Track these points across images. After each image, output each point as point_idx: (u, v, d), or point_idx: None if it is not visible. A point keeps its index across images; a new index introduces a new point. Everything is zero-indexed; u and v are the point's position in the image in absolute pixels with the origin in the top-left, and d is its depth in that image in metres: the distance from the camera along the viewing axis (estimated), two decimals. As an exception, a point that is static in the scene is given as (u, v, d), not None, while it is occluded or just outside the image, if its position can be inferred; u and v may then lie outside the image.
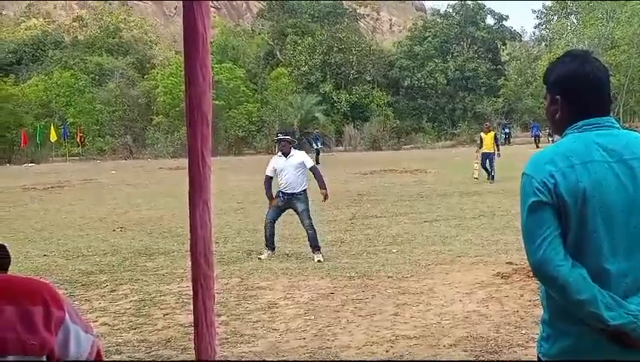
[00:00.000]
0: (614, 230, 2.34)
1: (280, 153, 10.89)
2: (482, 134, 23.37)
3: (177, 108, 57.00)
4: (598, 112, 2.46)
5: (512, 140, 55.45)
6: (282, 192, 10.75)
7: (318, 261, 10.26)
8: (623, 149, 2.38)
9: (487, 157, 22.71)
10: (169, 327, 7.13)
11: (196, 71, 1.98)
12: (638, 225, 2.35)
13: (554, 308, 2.47)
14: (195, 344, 2.10)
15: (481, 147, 22.89)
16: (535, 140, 47.75)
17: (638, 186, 2.34)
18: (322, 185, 10.83)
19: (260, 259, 10.64)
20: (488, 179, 22.39)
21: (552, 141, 44.75)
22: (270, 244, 10.87)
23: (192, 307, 6.87)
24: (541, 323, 2.57)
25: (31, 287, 1.41)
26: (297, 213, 10.75)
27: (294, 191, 10.62)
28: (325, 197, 10.93)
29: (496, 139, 23.00)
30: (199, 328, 2.12)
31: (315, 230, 10.58)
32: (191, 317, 6.72)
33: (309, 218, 10.59)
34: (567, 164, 2.36)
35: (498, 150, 22.95)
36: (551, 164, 2.38)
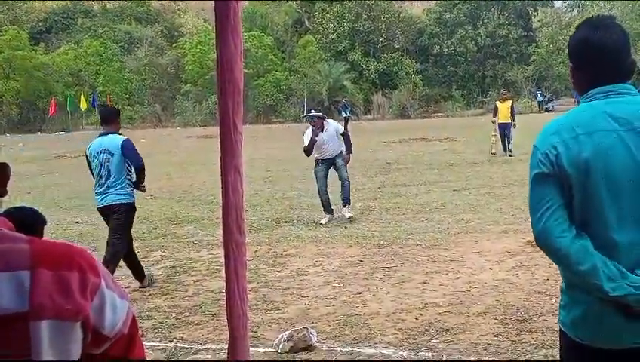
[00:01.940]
0: (622, 200, 2.29)
1: (315, 130, 10.96)
2: (498, 103, 21.41)
3: (206, 77, 57.02)
4: (613, 79, 2.39)
5: (546, 107, 54.88)
6: (323, 160, 11.27)
7: (349, 217, 10.99)
8: (633, 118, 2.31)
9: (503, 129, 20.72)
10: (199, 294, 7.22)
11: (228, 38, 1.97)
12: None
13: (567, 277, 2.47)
14: (227, 310, 2.11)
15: (495, 116, 21.00)
16: (539, 106, 47.97)
17: None
18: (349, 150, 11.49)
19: (321, 224, 11.02)
20: (506, 152, 20.43)
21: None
22: (328, 208, 11.27)
23: (222, 274, 6.92)
24: (560, 292, 2.58)
25: (67, 253, 1.42)
26: (336, 169, 11.29)
27: (335, 155, 11.24)
28: (347, 161, 11.45)
29: (512, 108, 20.80)
30: (231, 294, 2.14)
31: (349, 183, 11.36)
32: (221, 284, 6.80)
33: (347, 171, 11.31)
34: (571, 135, 2.33)
35: (514, 120, 20.63)
36: (555, 135, 2.36)
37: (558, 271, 7.00)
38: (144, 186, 7.87)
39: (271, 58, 59.54)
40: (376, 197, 13.25)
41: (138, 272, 7.61)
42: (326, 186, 11.21)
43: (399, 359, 5.11)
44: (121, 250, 7.44)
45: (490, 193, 13.14)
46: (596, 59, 2.41)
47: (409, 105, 58.94)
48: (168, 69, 61.95)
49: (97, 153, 7.52)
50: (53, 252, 1.41)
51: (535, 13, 72.96)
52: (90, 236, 10.62)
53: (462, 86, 66.28)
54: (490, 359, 4.98)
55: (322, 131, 10.98)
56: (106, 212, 7.54)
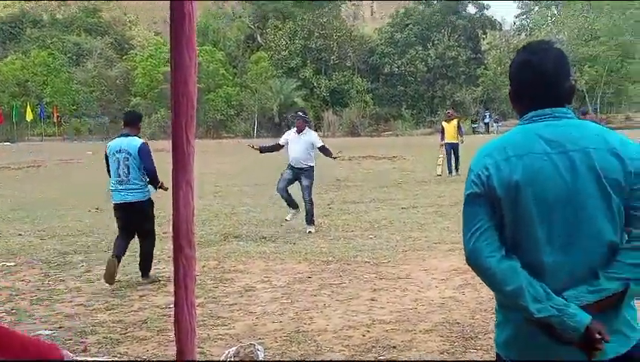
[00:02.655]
0: (551, 222, 2.32)
1: (295, 129, 11.61)
2: (444, 123, 21.18)
3: (156, 90, 56.67)
4: (550, 103, 2.43)
5: (492, 129, 55.88)
6: (291, 165, 11.49)
7: (309, 231, 11.32)
8: (566, 141, 2.33)
9: (451, 148, 20.53)
10: (145, 308, 7.11)
11: (182, 51, 1.97)
12: (576, 216, 2.31)
13: (498, 296, 2.51)
14: (175, 325, 2.09)
15: (442, 138, 20.85)
16: (486, 127, 49.53)
17: (578, 178, 2.30)
18: (330, 155, 11.72)
19: (286, 220, 11.65)
20: (450, 174, 20.35)
21: None
22: (292, 204, 11.61)
23: (168, 289, 6.87)
24: (495, 311, 2.61)
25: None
26: (301, 186, 11.46)
27: (301, 166, 11.38)
28: (334, 158, 11.87)
29: (459, 127, 20.86)
30: (179, 309, 2.12)
31: (312, 205, 11.52)
32: (167, 299, 6.73)
33: (310, 194, 11.44)
34: (502, 157, 2.36)
35: (461, 137, 20.76)
36: (488, 156, 2.40)
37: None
38: (163, 185, 8.12)
39: (222, 73, 59.46)
40: (326, 214, 13.29)
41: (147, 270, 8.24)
42: (285, 189, 11.48)
43: (346, 376, 5.11)
44: (153, 245, 8.23)
45: (438, 211, 13.29)
46: (534, 82, 2.44)
47: (359, 123, 59.42)
48: (117, 81, 61.40)
49: (116, 151, 8.06)
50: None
51: (484, 36, 74.45)
52: (33, 249, 10.42)
53: (411, 105, 67.13)
54: (436, 376, 5.02)
55: (299, 134, 11.40)
56: (122, 208, 8.12)
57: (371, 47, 70.16)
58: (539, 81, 2.44)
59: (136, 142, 8.09)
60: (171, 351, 5.69)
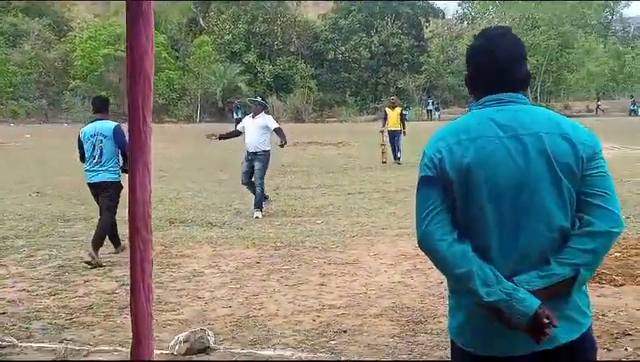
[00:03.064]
0: (502, 206, 2.32)
1: (252, 114, 11.89)
2: (387, 109, 21.05)
3: (96, 73, 55.61)
4: (504, 88, 2.43)
5: (434, 116, 56.51)
6: (247, 151, 11.69)
7: (256, 217, 11.26)
8: (518, 125, 2.34)
9: (393, 136, 20.41)
10: (90, 294, 6.97)
11: (139, 29, 1.90)
12: (527, 200, 2.31)
13: (449, 281, 2.51)
14: (131, 309, 2.04)
15: (385, 124, 20.77)
16: (429, 114, 51.21)
17: (529, 162, 2.30)
18: (283, 140, 11.79)
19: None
20: (395, 160, 20.15)
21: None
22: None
23: (114, 274, 6.76)
24: (447, 297, 2.60)
25: None
26: (254, 170, 11.60)
27: (255, 151, 11.55)
28: (282, 146, 11.89)
29: (402, 115, 20.75)
30: (136, 293, 2.07)
31: (263, 189, 11.63)
32: (113, 284, 6.62)
33: (262, 177, 11.57)
34: (455, 140, 2.36)
35: (404, 128, 20.51)
36: (441, 140, 2.40)
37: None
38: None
39: (164, 56, 58.48)
40: (272, 200, 13.22)
41: (117, 240, 8.83)
42: (248, 180, 11.72)
43: (297, 360, 5.10)
44: (110, 221, 8.56)
45: (384, 197, 13.37)
46: (489, 68, 2.44)
47: (303, 109, 59.35)
48: (56, 63, 59.93)
49: (91, 135, 8.54)
50: None
51: (427, 24, 74.96)
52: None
53: (355, 92, 67.29)
54: (388, 359, 5.05)
55: (254, 118, 11.68)
56: (95, 187, 8.64)
57: (315, 32, 70.04)
58: (493, 66, 2.44)
59: (110, 124, 8.60)
60: (119, 337, 5.59)
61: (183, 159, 22.44)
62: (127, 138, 8.27)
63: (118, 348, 5.33)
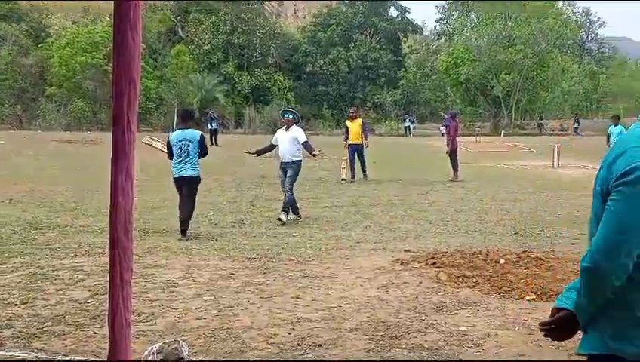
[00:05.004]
0: None
1: (285, 127, 12.62)
2: (347, 122, 19.71)
3: (72, 80, 55.14)
4: None
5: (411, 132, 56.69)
6: (281, 161, 12.51)
7: (279, 219, 11.78)
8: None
9: (355, 150, 19.13)
10: (62, 303, 6.88)
11: (127, 33, 1.88)
12: None
13: None
14: (109, 318, 2.00)
15: (346, 138, 19.34)
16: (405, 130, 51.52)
17: None
18: (311, 152, 12.49)
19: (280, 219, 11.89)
20: (354, 179, 19.01)
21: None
22: (293, 209, 12.34)
23: (86, 283, 6.66)
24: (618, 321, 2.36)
25: None
26: (285, 177, 12.29)
27: (286, 161, 12.32)
28: (314, 155, 12.66)
29: (363, 126, 19.33)
30: (115, 302, 2.02)
31: (292, 197, 12.15)
32: (85, 294, 6.51)
33: (291, 184, 12.16)
34: None
35: (366, 139, 19.32)
36: None
37: (427, 290, 7.17)
38: None
39: (142, 65, 58.15)
40: (248, 211, 13.19)
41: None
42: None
43: (271, 373, 5.06)
44: (193, 209, 10.67)
45: (360, 211, 13.36)
46: None
47: (280, 121, 59.30)
48: (32, 69, 59.40)
49: (178, 140, 10.51)
50: None
51: (405, 39, 75.53)
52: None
53: (332, 105, 67.48)
54: (363, 374, 5.02)
55: (287, 130, 12.41)
56: (181, 180, 10.57)
57: (294, 45, 70.24)
58: None
59: (196, 133, 10.70)
60: (90, 347, 5.51)
61: (159, 169, 22.28)
62: (206, 143, 10.70)
63: (92, 359, 5.25)
